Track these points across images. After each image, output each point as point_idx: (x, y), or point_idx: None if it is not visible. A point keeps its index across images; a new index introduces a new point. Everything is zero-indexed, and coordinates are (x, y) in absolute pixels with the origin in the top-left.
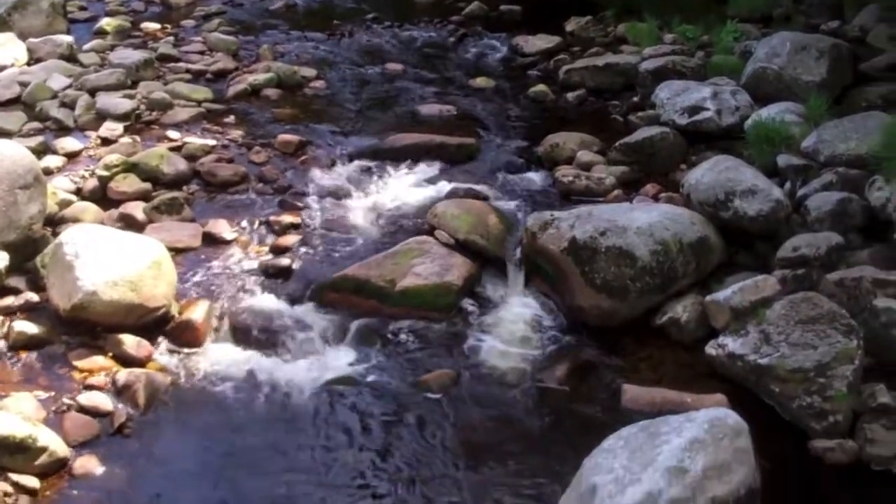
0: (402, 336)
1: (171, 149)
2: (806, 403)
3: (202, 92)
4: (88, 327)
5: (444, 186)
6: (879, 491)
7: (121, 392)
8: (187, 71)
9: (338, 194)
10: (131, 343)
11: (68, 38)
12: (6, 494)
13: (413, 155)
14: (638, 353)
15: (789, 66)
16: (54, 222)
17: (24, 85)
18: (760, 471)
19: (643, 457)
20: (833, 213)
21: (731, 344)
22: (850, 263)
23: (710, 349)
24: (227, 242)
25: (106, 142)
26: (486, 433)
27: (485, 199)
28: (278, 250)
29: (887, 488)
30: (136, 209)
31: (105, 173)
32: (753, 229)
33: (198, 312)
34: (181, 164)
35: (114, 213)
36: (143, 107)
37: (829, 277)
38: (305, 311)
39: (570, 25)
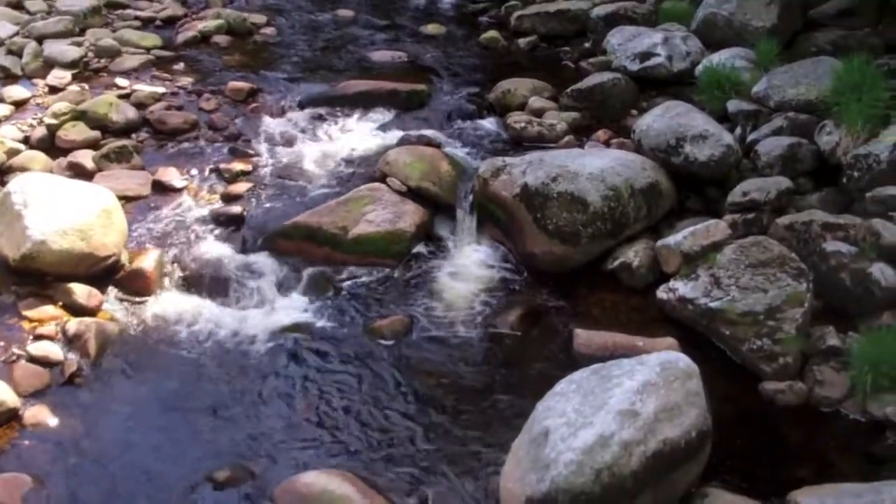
0: (355, 283)
1: (120, 96)
2: (756, 346)
3: (151, 39)
4: (38, 277)
5: (396, 133)
6: (829, 431)
7: (71, 341)
8: (136, 18)
9: (289, 141)
10: (81, 292)
11: None
12: None
13: (364, 102)
14: (590, 298)
15: (739, 12)
16: (2, 171)
17: None
18: (712, 413)
19: (595, 400)
20: (783, 157)
21: (682, 288)
22: (800, 207)
23: (662, 293)
24: (178, 190)
25: (54, 90)
26: (440, 379)
27: (437, 145)
28: (229, 198)
29: (836, 429)
30: (85, 157)
31: (53, 121)
32: (704, 174)
33: (148, 261)
34: (130, 112)
35: (62, 161)
36: (91, 54)
37: (779, 221)
38: (257, 259)
39: None
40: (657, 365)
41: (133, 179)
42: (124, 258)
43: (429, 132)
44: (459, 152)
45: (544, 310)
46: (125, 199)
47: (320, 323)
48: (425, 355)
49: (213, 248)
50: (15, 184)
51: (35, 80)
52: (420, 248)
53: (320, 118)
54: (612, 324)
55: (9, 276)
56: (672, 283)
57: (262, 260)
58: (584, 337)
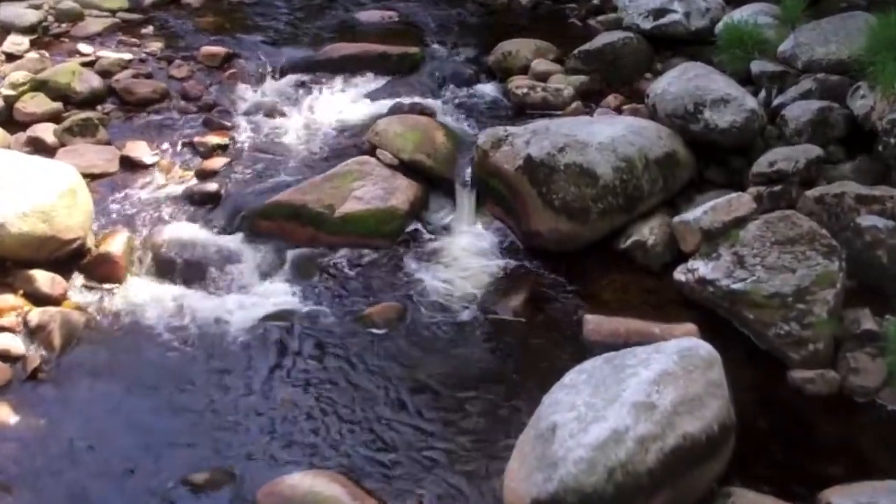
0: (343, 267)
1: (84, 64)
2: (784, 331)
3: (117, 0)
4: None
5: (386, 101)
6: (863, 424)
7: (34, 333)
8: None
9: (269, 112)
10: (44, 279)
11: None
12: None
13: (351, 67)
14: (601, 280)
15: None
16: None
17: None
18: (735, 405)
19: (607, 392)
20: (812, 123)
21: (702, 268)
22: (831, 178)
23: (679, 274)
24: (148, 167)
25: (11, 58)
26: (436, 371)
27: (431, 114)
28: (204, 174)
29: (871, 421)
30: (46, 132)
31: (11, 92)
32: (726, 142)
33: (116, 244)
34: (95, 81)
35: (21, 136)
36: (50, 18)
37: (808, 194)
38: (235, 241)
39: None
40: (675, 353)
41: (99, 155)
42: (90, 242)
43: (422, 99)
44: (456, 121)
45: (551, 294)
46: (90, 177)
47: (305, 310)
48: (420, 344)
49: (187, 230)
50: None
51: None
52: (414, 228)
53: (303, 85)
54: (626, 308)
55: None
56: (691, 263)
57: (240, 242)
58: (595, 323)
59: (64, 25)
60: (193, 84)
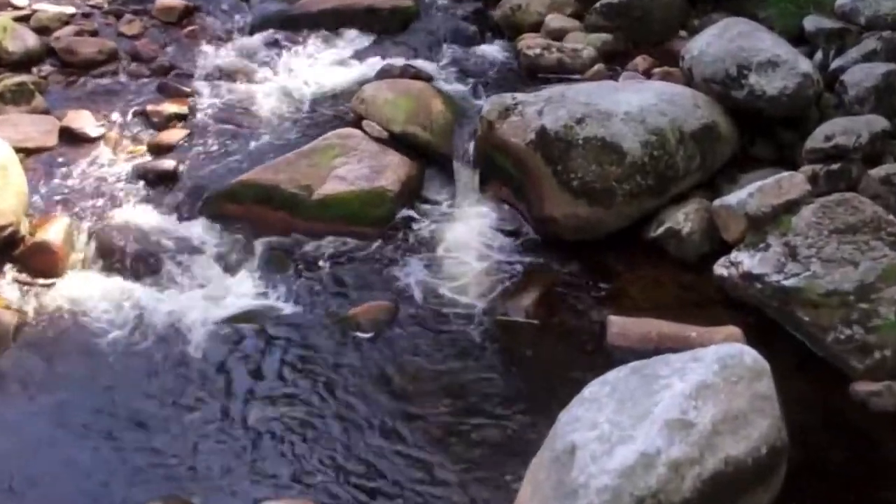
0: (323, 259)
1: (17, 19)
2: (844, 336)
3: None
4: None
5: (375, 63)
6: None
7: None
8: None
9: (236, 75)
10: None
11: None
12: None
13: (333, 23)
14: (627, 274)
15: None
16: None
17: None
18: (787, 423)
19: (636, 407)
20: (877, 90)
21: (747, 261)
22: None
23: (720, 268)
24: (93, 140)
25: None
26: (433, 383)
27: (427, 79)
28: (159, 149)
29: None
30: None
31: None
32: (774, 112)
33: (55, 232)
34: (30, 40)
35: None
36: None
37: (872, 173)
38: (196, 227)
39: None
40: (716, 361)
41: (35, 126)
42: (24, 229)
43: (416, 61)
44: (456, 87)
45: (568, 291)
46: (24, 152)
47: (278, 310)
48: (414, 352)
49: (139, 215)
50: None
51: None
52: (406, 213)
53: (276, 45)
54: (657, 308)
55: None
56: (734, 255)
57: (201, 229)
58: (621, 326)
59: None
60: (146, 43)
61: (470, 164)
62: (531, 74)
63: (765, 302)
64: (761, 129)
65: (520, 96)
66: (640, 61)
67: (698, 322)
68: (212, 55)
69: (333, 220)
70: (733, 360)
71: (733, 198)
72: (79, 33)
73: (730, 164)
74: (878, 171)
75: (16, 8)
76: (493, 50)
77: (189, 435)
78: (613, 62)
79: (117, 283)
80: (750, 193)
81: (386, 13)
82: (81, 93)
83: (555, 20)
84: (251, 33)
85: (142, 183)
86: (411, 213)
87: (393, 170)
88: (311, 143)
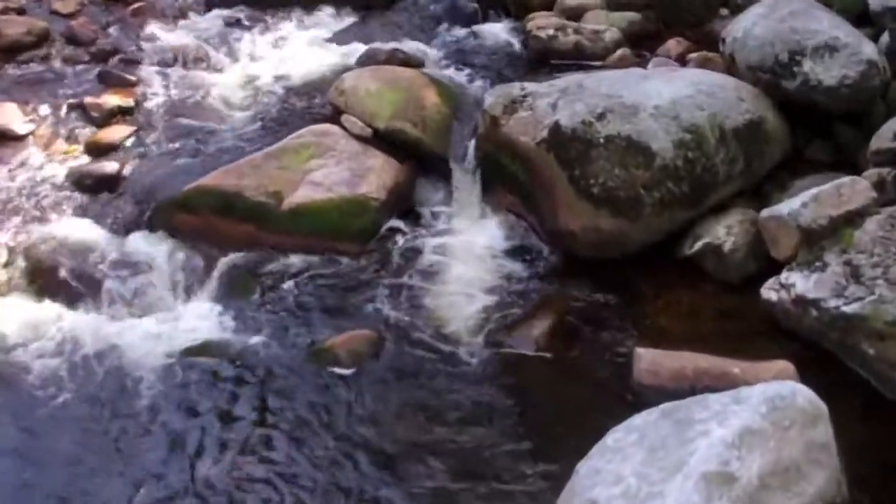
0: (294, 279)
1: None
2: None
3: None
4: None
5: (356, 47)
6: None
7: None
8: None
9: (192, 61)
10: None
11: None
12: None
13: None
14: (657, 299)
15: None
16: None
17: None
18: (847, 476)
19: (668, 457)
20: None
21: (801, 283)
22: None
23: (769, 291)
24: (20, 138)
25: None
26: (425, 428)
27: (418, 65)
28: (99, 150)
29: None
30: None
31: None
32: (833, 106)
33: None
34: None
35: None
36: None
37: None
38: (143, 243)
39: None
40: (763, 402)
41: None
42: None
43: (406, 45)
44: (454, 76)
45: (586, 319)
46: None
47: (240, 341)
48: (402, 391)
49: (75, 228)
50: None
51: None
52: (394, 225)
53: (238, 24)
54: (693, 339)
55: None
56: (784, 276)
57: (149, 244)
58: (650, 360)
59: None
60: (84, 23)
61: (470, 167)
62: (543, 60)
63: (821, 332)
64: (817, 126)
65: (529, 86)
66: (673, 45)
67: (742, 356)
68: (162, 37)
69: (307, 234)
70: (784, 401)
71: (784, 207)
72: (3, 11)
73: (779, 167)
74: None
75: None
76: (497, 31)
77: (129, 490)
78: (641, 46)
79: (48, 308)
80: (804, 203)
81: None
82: (6, 82)
83: None
84: (209, 10)
85: (78, 189)
86: (399, 225)
87: (377, 174)
88: (281, 142)
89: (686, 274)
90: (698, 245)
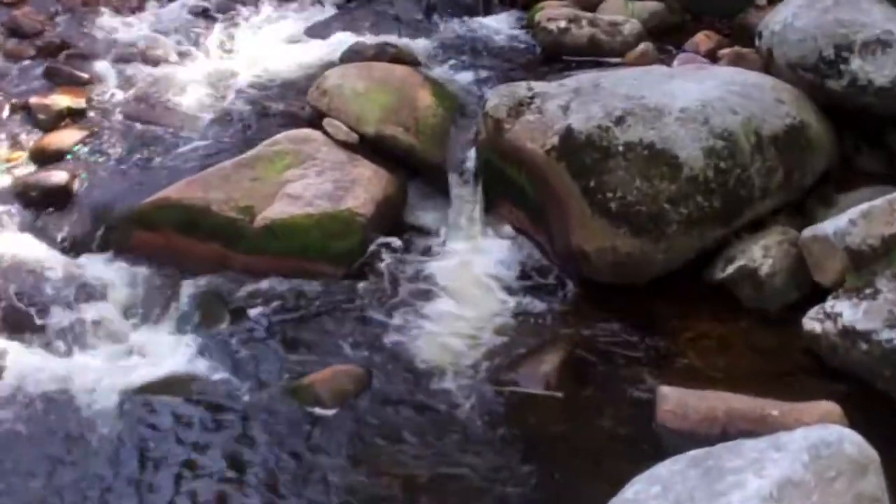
0: (269, 307)
1: None
2: None
3: None
4: None
5: (341, 40)
6: None
7: None
8: None
9: (152, 56)
10: None
11: None
12: None
13: None
14: (684, 330)
15: None
16: None
17: None
18: None
19: None
20: None
21: (849, 313)
22: None
23: (812, 322)
24: None
25: None
26: (418, 478)
27: (412, 62)
28: (46, 157)
29: None
30: None
31: None
32: (886, 109)
33: None
34: None
35: None
36: None
37: None
38: (96, 264)
39: None
40: (805, 449)
41: None
42: None
43: (397, 38)
44: (452, 74)
45: (603, 353)
46: None
47: (208, 377)
48: (392, 435)
49: (18, 247)
50: None
51: None
52: (382, 245)
53: (205, 15)
54: (724, 377)
55: None
56: (830, 305)
57: (103, 266)
58: (675, 401)
59: None
60: (30, 13)
61: (470, 178)
62: (553, 57)
63: (872, 368)
64: (867, 133)
65: (538, 86)
66: (703, 39)
67: (781, 396)
68: (119, 29)
69: (283, 255)
70: (829, 448)
71: (829, 226)
72: None
73: (824, 179)
74: None
75: None
76: (501, 23)
77: None
78: (666, 40)
79: None
80: (852, 220)
81: None
82: None
83: None
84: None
85: (22, 203)
86: (389, 244)
87: (364, 186)
88: (254, 150)
89: (717, 302)
90: (731, 269)
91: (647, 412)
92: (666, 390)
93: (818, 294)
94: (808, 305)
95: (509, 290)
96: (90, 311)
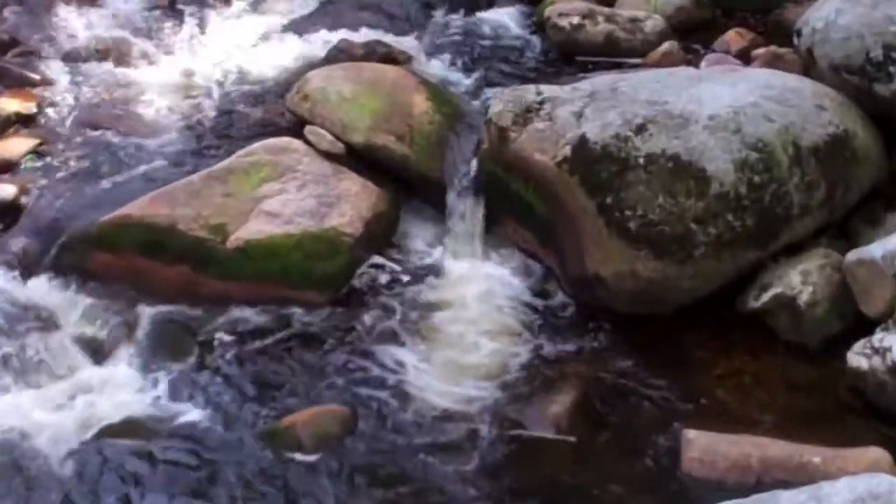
0: (243, 338)
1: None
2: None
3: None
4: None
5: (325, 38)
6: None
7: None
8: None
9: (112, 55)
10: None
11: None
12: None
13: None
14: (713, 366)
15: None
16: None
17: None
18: None
19: None
20: None
21: None
22: None
23: (858, 357)
24: None
25: None
26: None
27: (405, 61)
28: None
29: None
30: None
31: None
32: None
33: None
34: None
35: None
36: None
37: None
38: (48, 289)
39: None
40: (851, 502)
41: None
42: None
43: (390, 36)
44: (450, 75)
45: (622, 392)
46: None
47: (174, 417)
48: (381, 484)
49: None
50: None
51: None
52: (372, 268)
53: (172, 9)
54: (758, 419)
55: None
56: (878, 338)
57: (56, 291)
58: (703, 446)
59: None
60: None
61: (470, 193)
62: (565, 57)
63: None
64: None
65: (548, 90)
66: (734, 37)
67: (823, 441)
68: (74, 24)
69: (260, 280)
70: (878, 500)
71: (877, 249)
72: None
73: (871, 196)
74: None
75: None
76: (506, 18)
77: None
78: (693, 39)
79: None
80: None
81: None
82: None
83: None
84: None
85: None
86: (379, 267)
87: (351, 202)
88: (227, 161)
89: (750, 334)
90: (766, 297)
91: (671, 459)
92: (692, 434)
93: (864, 326)
94: (853, 338)
95: (514, 320)
96: (41, 342)
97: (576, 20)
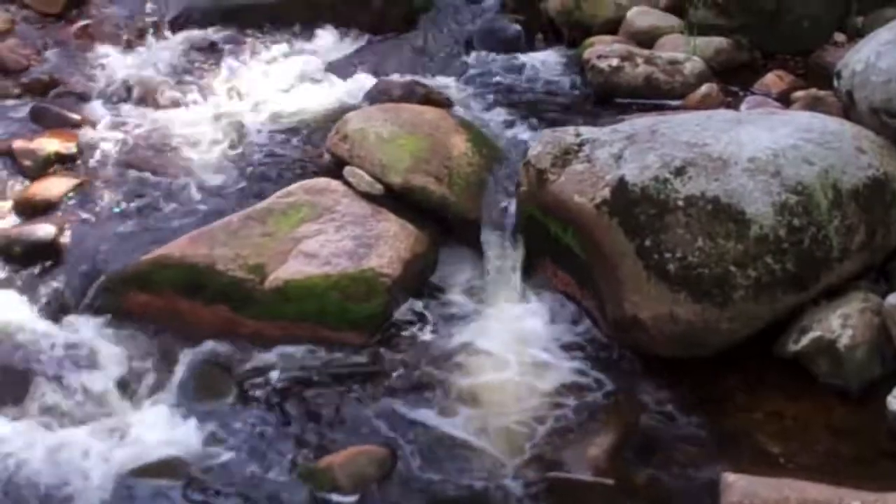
0: (281, 379)
1: None
2: None
3: None
4: None
5: (364, 80)
6: None
7: None
8: None
9: (150, 96)
10: None
11: None
12: None
13: (299, 17)
14: (752, 410)
15: None
16: None
17: None
18: None
19: None
20: None
21: None
22: None
23: None
24: None
25: None
26: None
27: (444, 104)
28: (33, 208)
29: None
30: None
31: None
32: None
33: None
34: None
35: None
36: None
37: None
38: (86, 330)
39: None
40: None
41: None
42: None
43: (428, 78)
44: (489, 117)
45: (660, 435)
46: None
47: (212, 458)
48: None
49: None
50: None
51: None
52: (409, 310)
53: (212, 50)
54: (798, 462)
55: None
56: None
57: (94, 332)
58: (742, 489)
59: None
60: (15, 46)
61: (509, 235)
62: (604, 99)
63: None
64: None
65: (587, 132)
66: (774, 80)
67: (863, 485)
68: (115, 65)
69: (298, 320)
70: None
71: None
72: None
73: None
74: None
75: None
76: (545, 60)
77: None
78: (732, 81)
79: None
80: None
81: (380, 3)
82: None
83: (642, 16)
84: (174, 31)
85: (4, 259)
86: (417, 309)
87: (390, 243)
88: (265, 202)
89: (789, 377)
90: (806, 340)
91: (711, 502)
92: (731, 478)
93: None
94: (894, 382)
95: (553, 362)
96: (79, 382)
97: (615, 62)
